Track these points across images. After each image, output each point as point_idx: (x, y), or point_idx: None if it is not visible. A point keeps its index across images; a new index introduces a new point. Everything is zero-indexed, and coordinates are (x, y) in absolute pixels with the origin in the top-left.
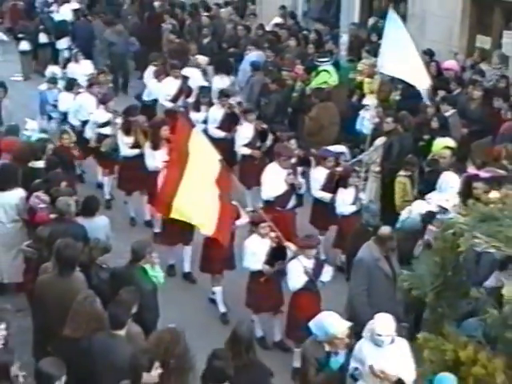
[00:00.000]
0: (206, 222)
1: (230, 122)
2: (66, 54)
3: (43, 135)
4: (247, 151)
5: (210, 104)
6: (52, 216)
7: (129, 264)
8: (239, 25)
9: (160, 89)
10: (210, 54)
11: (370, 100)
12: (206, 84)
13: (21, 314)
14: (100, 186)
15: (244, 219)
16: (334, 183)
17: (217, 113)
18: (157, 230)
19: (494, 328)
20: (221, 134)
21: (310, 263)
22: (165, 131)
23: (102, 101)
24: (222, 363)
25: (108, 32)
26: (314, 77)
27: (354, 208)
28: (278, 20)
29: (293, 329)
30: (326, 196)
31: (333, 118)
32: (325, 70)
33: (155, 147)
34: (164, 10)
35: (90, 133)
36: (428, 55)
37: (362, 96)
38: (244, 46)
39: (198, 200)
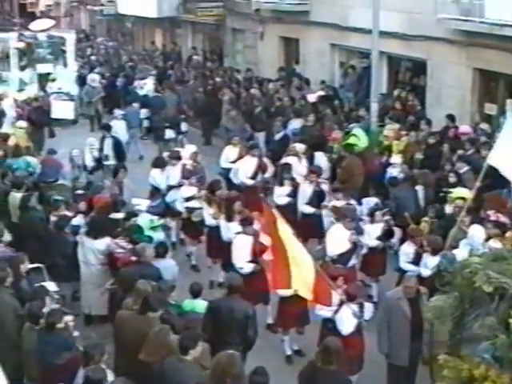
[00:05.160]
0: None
1: (318, 198)
2: (145, 123)
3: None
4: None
5: (292, 180)
6: (132, 259)
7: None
8: (285, 97)
9: (240, 167)
10: (260, 122)
11: (397, 159)
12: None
13: (106, 341)
14: (188, 255)
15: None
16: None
17: (306, 189)
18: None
19: (502, 350)
20: (310, 209)
21: (356, 307)
22: (238, 205)
23: (187, 176)
24: (262, 379)
25: (224, 119)
26: (345, 140)
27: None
28: (321, 93)
29: (344, 365)
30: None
31: (359, 169)
32: (354, 134)
33: (229, 219)
34: (223, 85)
35: (179, 206)
36: (450, 119)
37: (389, 156)
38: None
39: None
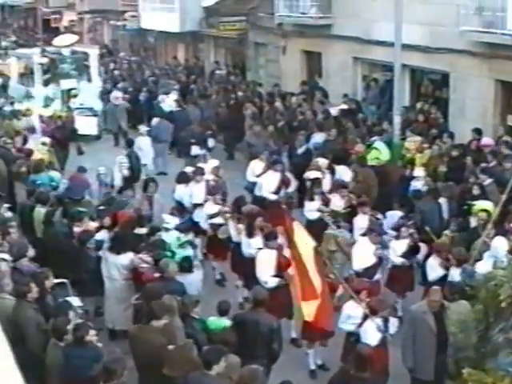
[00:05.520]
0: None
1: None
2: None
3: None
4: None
5: (322, 194)
6: (156, 275)
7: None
8: (308, 110)
9: (263, 182)
10: (283, 136)
11: (420, 172)
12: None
13: (128, 356)
14: (213, 268)
15: (340, 290)
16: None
17: (336, 204)
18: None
19: None
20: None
21: (380, 321)
22: (260, 221)
23: (211, 193)
24: None
25: (248, 133)
26: (366, 154)
27: (404, 260)
28: (343, 106)
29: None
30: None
31: (374, 180)
32: (375, 148)
33: (250, 235)
34: (245, 99)
35: (204, 224)
36: (476, 133)
37: (412, 169)
38: (311, 129)
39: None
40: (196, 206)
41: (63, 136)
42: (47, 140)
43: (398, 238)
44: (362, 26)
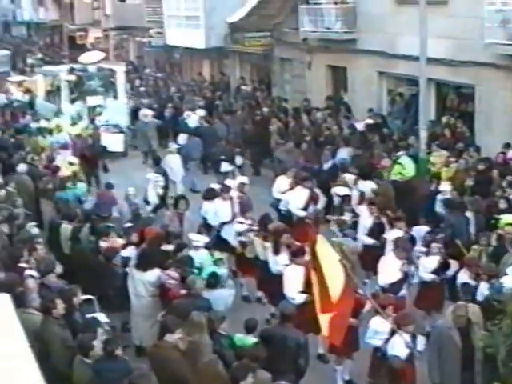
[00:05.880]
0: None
1: (379, 230)
2: None
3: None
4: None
5: (353, 211)
6: (182, 291)
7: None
8: (334, 125)
9: (291, 198)
10: (309, 151)
11: (446, 186)
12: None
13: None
14: (241, 284)
15: (368, 306)
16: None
17: (367, 221)
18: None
19: None
20: (370, 240)
21: (408, 337)
22: (286, 238)
23: (242, 210)
24: None
25: (279, 150)
26: (389, 170)
27: (434, 276)
28: (369, 121)
29: None
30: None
31: (392, 193)
32: (399, 163)
33: (276, 252)
34: (271, 115)
35: (233, 241)
36: (507, 147)
37: (438, 183)
38: (337, 144)
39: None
40: (223, 223)
41: (93, 154)
42: (75, 159)
43: (428, 254)
44: (387, 40)
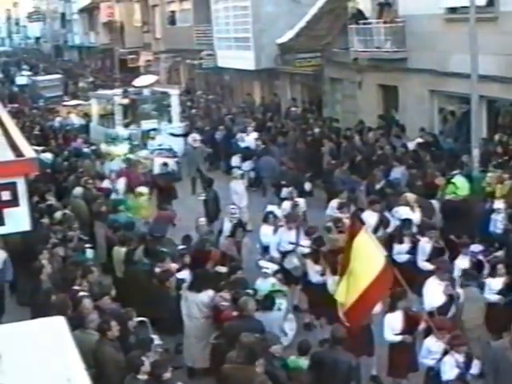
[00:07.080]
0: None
1: (437, 254)
2: (251, 174)
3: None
4: None
5: (413, 236)
6: (234, 313)
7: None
8: (386, 145)
9: None
10: (360, 171)
11: (500, 204)
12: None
13: None
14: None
15: (423, 324)
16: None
17: (425, 246)
18: None
19: None
20: (429, 266)
21: (461, 357)
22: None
23: (307, 233)
24: None
25: (338, 171)
26: (443, 189)
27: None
28: (420, 140)
29: None
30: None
31: (433, 212)
32: (452, 183)
33: (334, 272)
34: (322, 136)
35: (289, 265)
36: None
37: (493, 202)
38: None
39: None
40: (286, 253)
41: (166, 182)
42: (145, 189)
43: (493, 275)
44: (437, 58)
